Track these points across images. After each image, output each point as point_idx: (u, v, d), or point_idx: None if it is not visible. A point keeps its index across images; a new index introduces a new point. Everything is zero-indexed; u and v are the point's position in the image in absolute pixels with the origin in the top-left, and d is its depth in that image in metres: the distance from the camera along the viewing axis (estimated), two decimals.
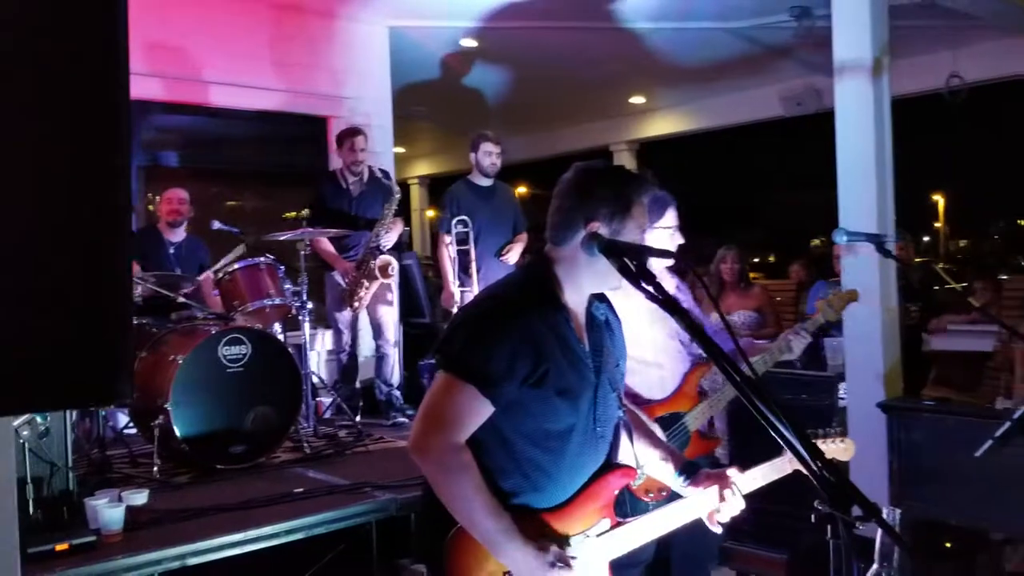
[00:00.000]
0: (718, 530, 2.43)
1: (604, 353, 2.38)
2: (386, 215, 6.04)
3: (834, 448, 2.45)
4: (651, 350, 3.50)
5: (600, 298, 2.42)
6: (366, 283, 6.05)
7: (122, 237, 1.14)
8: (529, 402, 2.22)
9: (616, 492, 2.38)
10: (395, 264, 6.07)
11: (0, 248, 1.10)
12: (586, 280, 2.32)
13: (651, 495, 3.36)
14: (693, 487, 2.44)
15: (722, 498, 2.37)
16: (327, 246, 6.24)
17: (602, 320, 2.42)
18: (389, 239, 6.11)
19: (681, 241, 3.61)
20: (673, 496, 2.54)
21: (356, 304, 6.11)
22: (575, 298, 2.34)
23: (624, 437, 2.49)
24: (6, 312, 1.09)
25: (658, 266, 3.54)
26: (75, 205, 1.14)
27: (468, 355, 2.20)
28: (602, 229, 2.23)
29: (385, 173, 6.37)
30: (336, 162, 7.02)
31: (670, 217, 3.57)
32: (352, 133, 6.32)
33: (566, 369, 2.25)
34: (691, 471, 2.49)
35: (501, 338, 2.18)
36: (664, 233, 3.56)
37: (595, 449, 2.36)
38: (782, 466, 2.38)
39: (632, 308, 2.89)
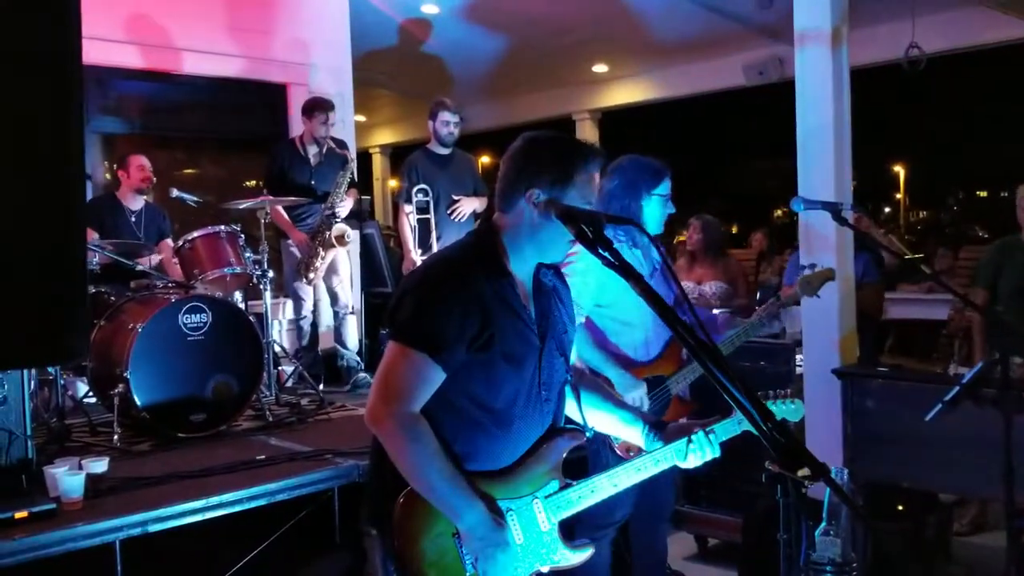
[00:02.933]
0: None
1: (550, 319, 2.41)
2: (340, 184, 6.06)
3: (784, 409, 2.51)
4: (634, 312, 3.55)
5: (548, 265, 2.45)
6: (322, 252, 6.06)
7: (75, 198, 1.14)
8: (475, 366, 2.24)
9: (565, 454, 2.41)
10: (351, 232, 6.08)
11: None
12: (529, 248, 2.34)
13: (632, 453, 3.41)
14: (663, 443, 2.45)
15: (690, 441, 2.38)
16: (283, 215, 6.22)
17: (550, 287, 2.45)
18: (344, 208, 6.12)
19: (672, 210, 3.69)
20: None
21: (311, 275, 6.13)
22: (520, 265, 2.36)
23: (571, 400, 2.52)
24: None
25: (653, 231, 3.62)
26: (26, 169, 1.14)
27: (417, 322, 2.21)
28: (541, 197, 2.24)
29: (340, 142, 6.32)
30: (295, 129, 6.94)
31: (665, 186, 3.65)
32: (326, 107, 6.23)
33: (511, 334, 2.28)
34: (660, 428, 2.52)
35: (448, 303, 2.20)
36: (659, 201, 3.63)
37: (540, 412, 2.40)
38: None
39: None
